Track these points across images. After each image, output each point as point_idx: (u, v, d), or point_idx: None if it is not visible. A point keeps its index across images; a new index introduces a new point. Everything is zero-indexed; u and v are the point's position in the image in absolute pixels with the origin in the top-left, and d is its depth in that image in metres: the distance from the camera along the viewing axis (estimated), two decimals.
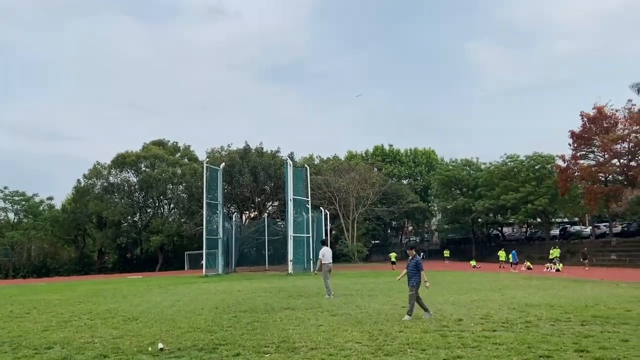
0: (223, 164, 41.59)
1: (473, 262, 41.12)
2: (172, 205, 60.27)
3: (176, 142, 66.46)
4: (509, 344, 6.96)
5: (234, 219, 46.09)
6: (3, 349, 7.81)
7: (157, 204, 60.86)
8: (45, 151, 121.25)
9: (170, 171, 56.98)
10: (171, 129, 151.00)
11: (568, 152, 42.49)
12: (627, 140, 38.24)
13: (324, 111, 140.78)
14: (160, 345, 7.39)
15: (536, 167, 48.54)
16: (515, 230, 65.19)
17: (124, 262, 59.36)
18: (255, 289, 19.06)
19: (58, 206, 62.80)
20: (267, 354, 6.82)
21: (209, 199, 36.99)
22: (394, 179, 62.31)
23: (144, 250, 59.10)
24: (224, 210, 41.63)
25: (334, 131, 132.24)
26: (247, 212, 58.89)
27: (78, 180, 59.51)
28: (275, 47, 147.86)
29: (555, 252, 31.76)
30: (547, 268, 31.22)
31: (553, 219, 54.36)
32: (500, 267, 35.92)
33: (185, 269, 52.87)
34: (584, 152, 42.04)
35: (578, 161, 41.74)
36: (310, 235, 36.78)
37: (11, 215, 59.37)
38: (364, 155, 69.58)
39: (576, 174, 41.53)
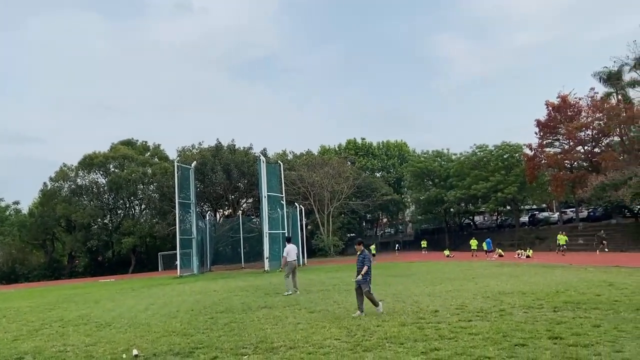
0: (195, 162, 41.03)
1: (447, 252, 41.73)
2: (143, 206, 59.25)
3: (145, 142, 65.34)
4: (485, 334, 7.06)
5: (207, 217, 45.57)
6: None
7: (127, 205, 59.75)
8: (8, 154, 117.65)
9: (140, 171, 55.98)
10: (140, 128, 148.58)
11: (535, 141, 43.60)
12: (591, 127, 39.32)
13: (296, 107, 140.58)
14: (135, 352, 7.24)
15: (505, 157, 49.56)
16: (486, 218, 66.48)
17: (96, 265, 58.15)
18: (232, 288, 18.89)
19: (25, 210, 61.15)
20: (245, 355, 6.74)
21: (181, 198, 36.49)
22: (367, 172, 62.64)
23: (116, 252, 57.94)
24: (197, 209, 41.12)
25: (307, 126, 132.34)
26: (221, 210, 58.34)
27: (44, 183, 58.03)
28: (244, 44, 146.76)
29: (562, 239, 31.79)
30: (519, 255, 31.93)
31: (522, 207, 55.66)
32: (472, 255, 36.65)
33: (159, 270, 52.15)
34: (550, 140, 43.08)
35: (544, 149, 42.81)
36: (286, 231, 36.65)
37: None
38: (337, 149, 69.69)
39: (543, 161, 42.59)
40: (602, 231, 33.13)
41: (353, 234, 65.27)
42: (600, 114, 38.09)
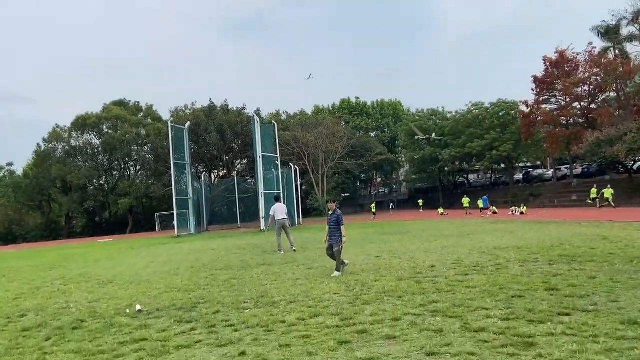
0: (188, 123, 40.61)
1: (441, 210, 42.09)
2: (138, 167, 59.17)
3: (138, 102, 64.45)
4: (482, 287, 7.18)
5: (202, 178, 45.58)
6: None
7: (122, 166, 59.65)
8: None
9: (134, 132, 55.52)
10: (132, 88, 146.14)
11: (531, 98, 43.29)
12: (588, 82, 38.99)
13: (289, 65, 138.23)
14: (138, 307, 7.34)
15: (500, 114, 49.25)
16: (480, 176, 66.80)
17: (94, 226, 58.55)
18: (230, 247, 19.09)
19: (19, 172, 60.93)
20: (247, 309, 6.85)
21: (176, 159, 36.36)
22: (361, 131, 62.28)
23: (113, 213, 58.26)
24: (193, 170, 41.07)
25: (300, 86, 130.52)
26: (216, 171, 58.31)
27: (38, 144, 57.85)
28: (234, 1, 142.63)
29: (608, 192, 29.83)
30: (513, 212, 32.25)
31: (517, 164, 55.85)
32: (467, 213, 36.94)
33: (157, 230, 52.53)
34: (546, 97, 42.78)
35: (540, 106, 42.54)
36: (281, 191, 36.76)
37: None
38: (331, 109, 68.97)
39: (539, 118, 42.40)
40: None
41: (347, 194, 65.62)
42: (598, 69, 37.73)
